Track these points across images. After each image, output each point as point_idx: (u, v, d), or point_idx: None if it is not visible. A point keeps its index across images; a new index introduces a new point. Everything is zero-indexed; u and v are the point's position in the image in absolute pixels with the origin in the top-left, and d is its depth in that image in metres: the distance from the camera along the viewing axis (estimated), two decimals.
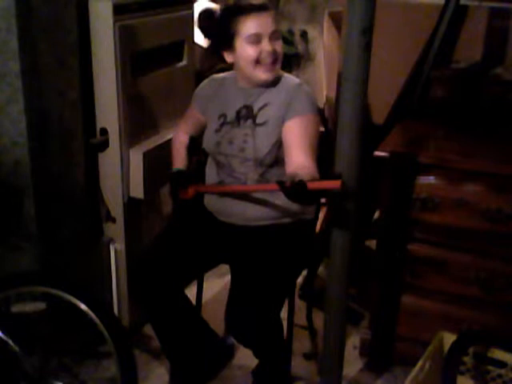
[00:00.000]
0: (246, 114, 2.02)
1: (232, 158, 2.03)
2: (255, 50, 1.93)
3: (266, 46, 1.93)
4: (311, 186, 1.63)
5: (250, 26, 1.92)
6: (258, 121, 2.00)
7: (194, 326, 2.21)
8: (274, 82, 2.01)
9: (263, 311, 1.92)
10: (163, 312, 2.09)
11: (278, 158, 1.99)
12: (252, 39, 1.93)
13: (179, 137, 2.24)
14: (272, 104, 2.00)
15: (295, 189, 1.64)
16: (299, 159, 1.91)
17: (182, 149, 2.22)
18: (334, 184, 1.63)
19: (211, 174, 2.12)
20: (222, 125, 2.06)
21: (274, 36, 1.94)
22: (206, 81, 2.18)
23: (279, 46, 1.97)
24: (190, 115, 2.22)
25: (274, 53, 1.95)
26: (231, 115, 2.05)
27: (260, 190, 2.02)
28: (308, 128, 1.96)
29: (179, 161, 2.20)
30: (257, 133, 2.00)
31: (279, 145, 1.99)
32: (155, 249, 2.10)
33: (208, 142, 2.09)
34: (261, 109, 2.01)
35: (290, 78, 2.06)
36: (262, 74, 1.97)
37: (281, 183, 1.69)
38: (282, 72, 2.06)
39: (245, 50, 1.95)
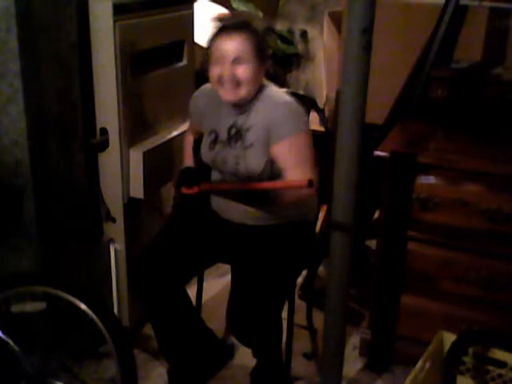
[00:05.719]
0: (236, 136, 2.01)
1: (229, 174, 2.04)
2: (217, 71, 1.93)
3: (225, 69, 1.91)
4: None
5: (216, 46, 1.92)
6: (246, 143, 1.99)
7: (192, 325, 2.21)
8: (257, 100, 1.99)
9: (265, 311, 1.93)
10: (163, 309, 2.09)
11: (273, 173, 1.99)
12: (215, 60, 1.93)
13: (187, 138, 2.28)
14: (256, 126, 1.98)
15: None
16: (294, 177, 1.92)
17: (189, 148, 2.25)
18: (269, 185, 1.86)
19: (215, 172, 2.13)
20: (213, 142, 2.07)
21: (238, 60, 1.90)
22: (197, 92, 2.19)
23: (243, 71, 1.91)
24: (190, 123, 2.26)
25: (233, 78, 1.91)
26: (223, 134, 2.04)
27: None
28: (295, 148, 1.94)
29: (188, 160, 2.25)
30: (246, 155, 1.99)
31: (271, 162, 1.98)
32: (156, 246, 2.11)
33: (205, 157, 2.11)
34: (247, 130, 1.99)
35: (274, 96, 2.00)
36: (223, 95, 1.96)
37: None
38: (266, 87, 2.01)
39: (211, 69, 1.96)
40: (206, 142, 2.10)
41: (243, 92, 1.94)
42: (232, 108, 2.02)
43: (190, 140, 2.26)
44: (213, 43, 1.94)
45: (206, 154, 2.09)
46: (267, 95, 2.00)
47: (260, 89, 1.99)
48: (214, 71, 1.94)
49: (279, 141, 1.94)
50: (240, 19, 1.95)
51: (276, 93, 2.03)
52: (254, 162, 1.98)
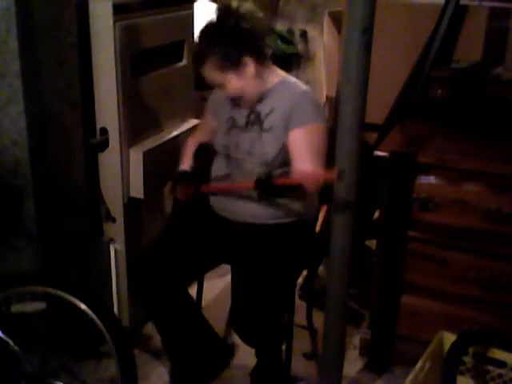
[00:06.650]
0: (254, 120, 2.04)
1: (240, 159, 2.05)
2: (217, 90, 2.02)
3: (219, 91, 1.99)
4: (278, 181, 1.76)
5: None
6: (265, 126, 2.01)
7: (195, 326, 2.21)
8: (278, 87, 2.02)
9: (268, 310, 1.93)
10: (164, 310, 2.09)
11: (285, 160, 2.00)
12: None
13: (189, 141, 2.28)
14: (277, 110, 2.00)
15: (262, 182, 1.77)
16: (303, 168, 1.93)
17: (189, 151, 2.24)
18: (294, 180, 1.81)
19: (219, 166, 2.14)
20: (230, 128, 2.09)
21: (220, 82, 1.96)
22: None
23: (231, 88, 1.96)
24: (204, 120, 2.27)
25: (227, 94, 1.98)
26: (240, 120, 2.06)
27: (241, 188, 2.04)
28: (313, 137, 1.97)
29: (185, 161, 2.23)
30: (263, 138, 2.01)
31: (285, 149, 2.00)
32: (157, 247, 2.11)
33: (217, 144, 2.13)
34: (267, 115, 2.02)
35: (296, 84, 2.05)
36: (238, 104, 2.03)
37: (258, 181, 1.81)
38: (284, 77, 2.06)
39: None
40: (221, 128, 2.12)
41: (246, 98, 1.99)
42: None
43: (191, 144, 2.25)
44: None
45: (220, 139, 2.11)
46: (288, 82, 2.05)
47: (277, 77, 2.05)
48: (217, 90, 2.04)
49: (299, 126, 1.96)
50: (200, 42, 1.97)
51: (298, 82, 2.08)
52: (269, 145, 2.00)
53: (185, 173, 2.16)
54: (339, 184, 1.78)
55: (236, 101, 2.01)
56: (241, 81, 1.95)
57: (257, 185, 1.78)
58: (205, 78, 1.98)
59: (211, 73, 1.94)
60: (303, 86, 2.06)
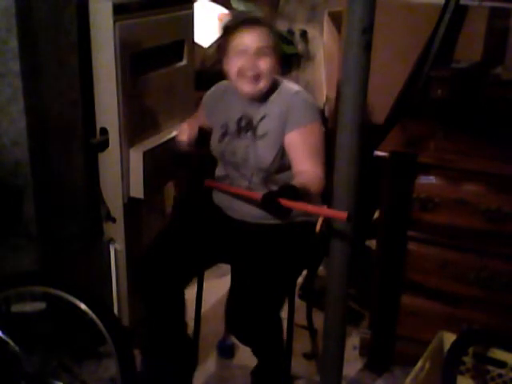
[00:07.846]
0: (246, 126, 2.03)
1: (237, 164, 2.05)
2: (238, 63, 1.95)
3: (248, 60, 1.93)
4: (285, 203, 1.72)
5: (236, 40, 1.94)
6: (258, 133, 2.01)
7: (181, 327, 2.21)
8: (272, 92, 2.02)
9: (264, 310, 1.93)
10: (163, 309, 2.09)
11: (281, 165, 2.01)
12: (236, 52, 1.95)
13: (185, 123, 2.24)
14: (270, 115, 2.00)
15: (266, 199, 1.74)
16: (304, 168, 1.94)
17: (187, 126, 2.18)
18: (302, 206, 1.77)
19: (220, 168, 2.15)
20: (223, 135, 2.09)
21: (260, 52, 1.93)
22: (212, 88, 2.21)
23: (265, 63, 1.94)
24: (196, 118, 2.26)
25: (255, 68, 1.94)
26: (232, 126, 2.06)
27: (246, 196, 2.04)
28: (310, 137, 1.97)
29: (183, 133, 2.16)
30: (257, 145, 2.01)
31: (282, 154, 2.00)
32: (156, 246, 2.11)
33: (213, 150, 2.14)
34: (260, 120, 2.02)
35: (287, 87, 2.05)
36: (244, 86, 1.98)
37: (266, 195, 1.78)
38: (280, 81, 2.06)
39: (230, 61, 1.98)
40: (215, 135, 2.12)
41: (262, 84, 1.97)
42: (244, 100, 2.04)
43: (187, 125, 2.20)
44: (232, 36, 1.95)
45: (215, 147, 2.11)
46: (281, 87, 2.04)
47: (274, 82, 2.03)
48: (234, 64, 1.96)
49: (296, 128, 1.96)
50: (257, 15, 1.99)
51: (290, 84, 2.08)
52: (264, 152, 2.00)
53: (180, 155, 2.17)
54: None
55: (245, 83, 1.97)
56: (273, 65, 1.97)
57: (263, 200, 1.78)
58: (239, 45, 1.94)
59: (262, 41, 1.93)
60: (294, 87, 2.06)
